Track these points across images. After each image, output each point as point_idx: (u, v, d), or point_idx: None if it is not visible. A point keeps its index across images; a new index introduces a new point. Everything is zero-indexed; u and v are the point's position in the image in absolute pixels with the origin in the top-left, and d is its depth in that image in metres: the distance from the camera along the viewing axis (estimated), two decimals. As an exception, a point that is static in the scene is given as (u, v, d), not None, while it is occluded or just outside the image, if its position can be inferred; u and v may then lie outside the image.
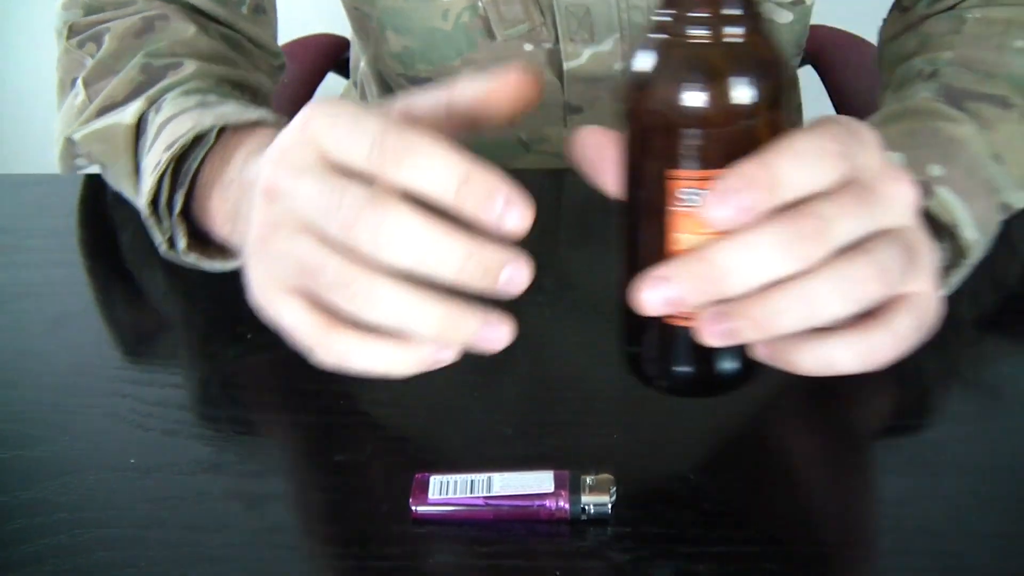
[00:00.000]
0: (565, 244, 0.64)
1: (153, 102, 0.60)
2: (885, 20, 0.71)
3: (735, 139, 0.36)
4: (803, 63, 1.08)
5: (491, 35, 0.73)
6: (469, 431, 0.48)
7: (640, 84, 0.37)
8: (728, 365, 0.40)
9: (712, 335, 0.37)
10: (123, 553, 0.42)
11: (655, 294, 0.36)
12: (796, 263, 0.36)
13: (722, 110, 0.36)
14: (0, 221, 0.67)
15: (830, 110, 1.02)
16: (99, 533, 0.43)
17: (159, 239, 0.57)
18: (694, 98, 0.36)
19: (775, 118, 0.38)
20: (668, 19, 0.37)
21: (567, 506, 0.43)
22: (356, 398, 0.51)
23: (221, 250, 0.56)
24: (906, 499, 0.44)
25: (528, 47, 0.74)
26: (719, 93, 0.36)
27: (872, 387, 0.51)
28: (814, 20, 0.98)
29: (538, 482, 0.43)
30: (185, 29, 0.65)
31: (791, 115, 0.38)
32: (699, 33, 0.36)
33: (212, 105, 0.58)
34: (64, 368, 0.54)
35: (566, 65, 0.74)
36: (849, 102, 1.00)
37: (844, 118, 0.39)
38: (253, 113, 0.55)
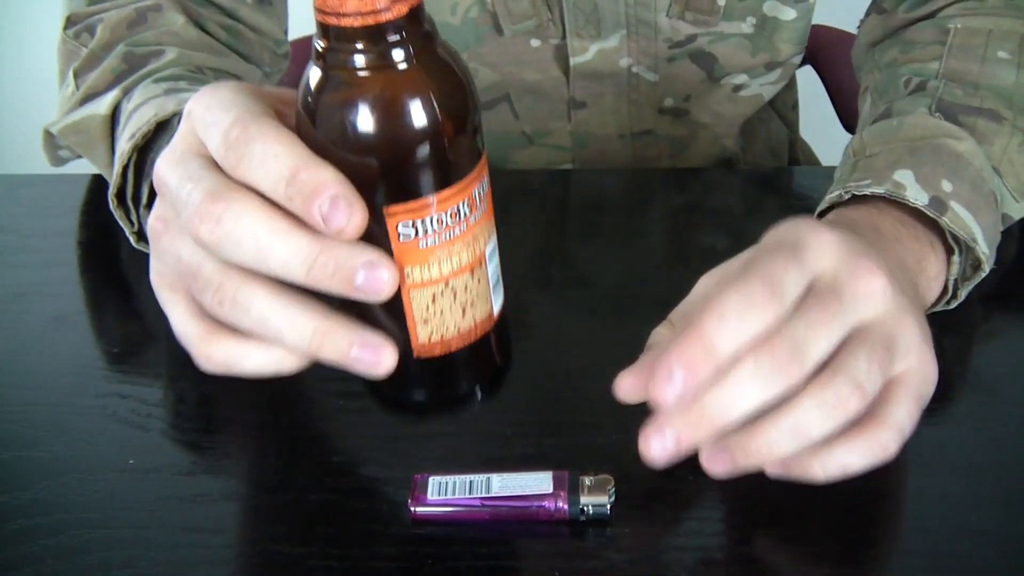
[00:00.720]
0: (570, 243, 0.64)
1: (128, 91, 0.59)
2: (862, 21, 0.70)
3: (429, 166, 0.35)
4: (803, 62, 1.08)
5: (499, 30, 0.73)
6: (468, 431, 0.48)
7: (321, 124, 0.35)
8: (464, 389, 0.42)
9: (714, 467, 0.39)
10: (123, 553, 0.43)
11: (659, 447, 0.38)
12: (779, 389, 0.37)
13: (404, 146, 0.35)
14: (0, 221, 0.67)
15: (829, 109, 1.02)
16: (99, 533, 0.44)
17: (128, 231, 0.56)
18: (371, 136, 0.34)
19: (464, 140, 0.36)
20: (327, 50, 0.35)
21: (566, 507, 0.43)
22: (355, 398, 0.51)
23: None
24: (906, 499, 0.44)
25: (535, 43, 0.74)
26: (392, 130, 0.34)
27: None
28: (815, 21, 0.98)
29: (537, 483, 0.43)
30: (175, 20, 0.65)
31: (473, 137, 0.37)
32: (360, 66, 0.34)
33: (180, 91, 0.57)
34: (64, 368, 0.54)
35: (572, 60, 0.74)
36: (847, 101, 1.00)
37: (789, 232, 0.40)
38: None
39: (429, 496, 0.43)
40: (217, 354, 0.38)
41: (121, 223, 0.56)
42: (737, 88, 0.79)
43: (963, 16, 0.60)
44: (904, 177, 0.50)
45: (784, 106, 0.91)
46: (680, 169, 0.81)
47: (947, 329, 0.55)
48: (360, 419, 0.49)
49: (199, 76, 0.62)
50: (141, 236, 0.56)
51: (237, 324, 0.37)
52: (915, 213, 0.50)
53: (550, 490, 0.43)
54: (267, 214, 0.35)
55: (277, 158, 0.34)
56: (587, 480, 0.43)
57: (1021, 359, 0.53)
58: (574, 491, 0.43)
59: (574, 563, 0.42)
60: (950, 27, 0.60)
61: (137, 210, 0.55)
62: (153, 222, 0.40)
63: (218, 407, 0.51)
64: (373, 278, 0.35)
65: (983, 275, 0.51)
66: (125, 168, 0.54)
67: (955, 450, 0.47)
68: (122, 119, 0.58)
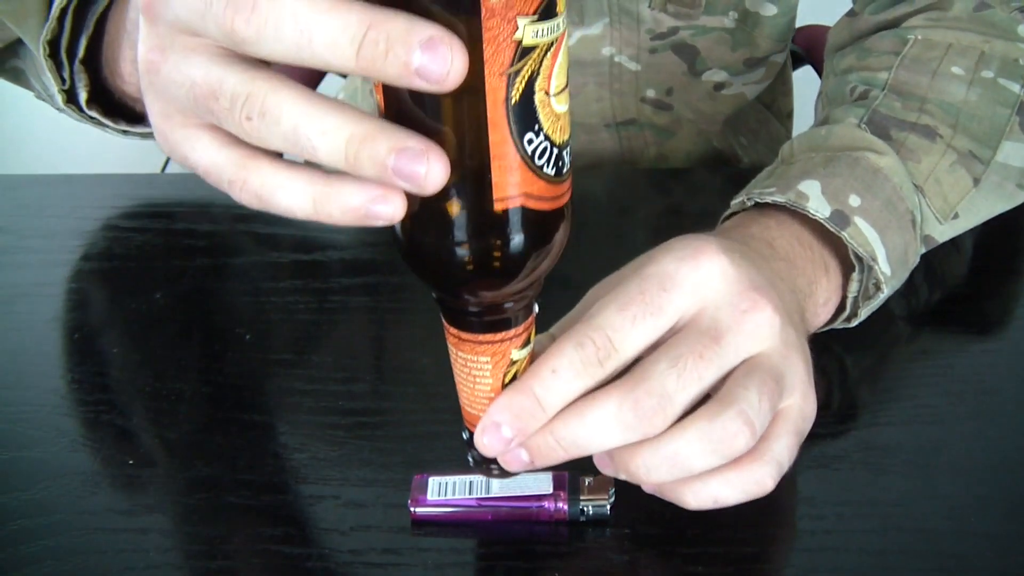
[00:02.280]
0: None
1: None
2: (833, 27, 0.68)
3: None
4: (801, 63, 1.08)
5: None
6: (468, 431, 0.48)
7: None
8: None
9: (602, 469, 0.40)
10: (122, 554, 0.43)
11: (515, 461, 0.38)
12: (639, 437, 0.37)
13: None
14: (0, 221, 0.67)
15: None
16: (98, 535, 0.44)
17: (54, 88, 0.51)
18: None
19: None
20: None
21: (566, 507, 0.43)
22: (354, 398, 0.51)
23: (128, 113, 0.52)
24: (905, 499, 0.44)
25: None
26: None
27: (871, 389, 0.51)
28: (813, 19, 0.98)
29: (537, 483, 0.43)
30: None
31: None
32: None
33: None
34: (63, 369, 0.54)
35: None
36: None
37: (667, 261, 0.39)
38: None
39: (429, 496, 0.43)
40: (254, 180, 0.33)
41: (51, 77, 0.51)
42: (719, 87, 0.79)
43: (925, 28, 0.59)
44: (810, 188, 0.49)
45: (779, 113, 0.91)
46: (664, 170, 0.81)
47: (947, 328, 0.55)
48: (358, 419, 0.49)
49: None
50: (71, 97, 0.51)
51: (268, 140, 0.32)
52: (816, 227, 0.49)
53: (550, 490, 0.43)
54: None
55: None
56: (587, 480, 0.43)
57: (1021, 359, 0.53)
58: (574, 491, 0.43)
59: (574, 563, 0.42)
60: (909, 38, 0.58)
61: (71, 65, 0.50)
62: (148, 55, 0.34)
63: (217, 408, 0.51)
64: (434, 59, 0.28)
65: (883, 297, 0.50)
66: (63, 12, 0.49)
67: (954, 450, 0.47)
68: None
